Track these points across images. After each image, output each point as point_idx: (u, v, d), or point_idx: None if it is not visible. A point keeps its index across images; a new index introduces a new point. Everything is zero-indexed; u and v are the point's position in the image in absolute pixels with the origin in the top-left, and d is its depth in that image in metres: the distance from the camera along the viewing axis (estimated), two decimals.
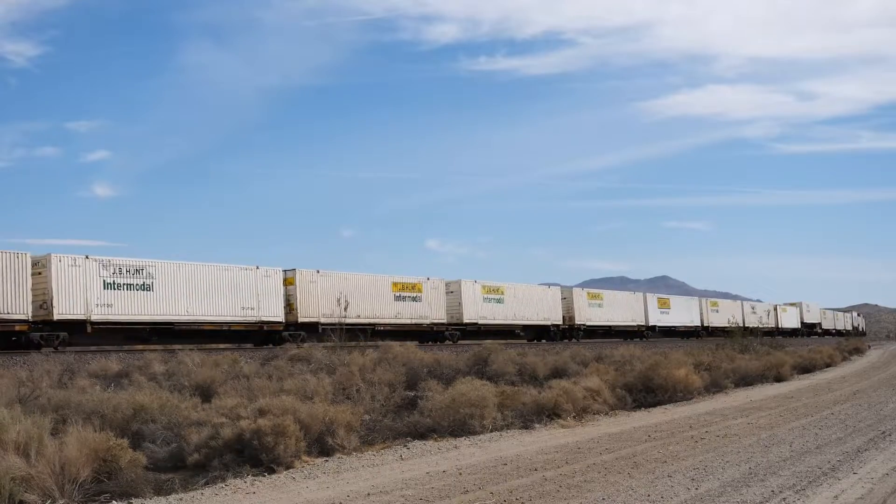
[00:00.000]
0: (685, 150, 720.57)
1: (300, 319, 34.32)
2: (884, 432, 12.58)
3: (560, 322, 48.48)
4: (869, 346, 64.10)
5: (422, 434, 12.37)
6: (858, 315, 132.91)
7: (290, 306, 34.30)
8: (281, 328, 33.74)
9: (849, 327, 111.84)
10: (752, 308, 73.17)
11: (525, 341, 43.25)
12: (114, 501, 8.30)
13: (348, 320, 30.17)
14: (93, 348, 26.69)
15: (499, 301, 44.31)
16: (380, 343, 24.89)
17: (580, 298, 51.67)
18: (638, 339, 53.29)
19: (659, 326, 59.89)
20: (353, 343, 21.59)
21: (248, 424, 10.04)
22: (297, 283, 34.61)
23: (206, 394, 14.02)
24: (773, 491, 8.19)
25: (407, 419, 13.14)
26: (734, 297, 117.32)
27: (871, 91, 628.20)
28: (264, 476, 9.40)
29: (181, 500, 8.45)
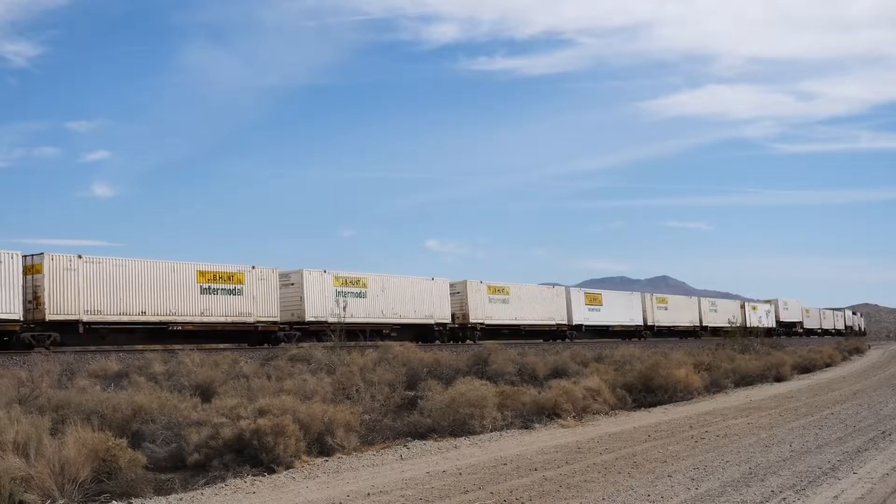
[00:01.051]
0: (685, 150, 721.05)
1: (50, 317, 27.30)
2: (884, 432, 12.58)
3: (448, 320, 41.70)
4: (869, 346, 64.10)
5: (422, 434, 12.37)
6: (855, 314, 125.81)
7: (36, 300, 27.49)
8: (17, 328, 26.43)
9: (840, 326, 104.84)
10: (713, 305, 68.94)
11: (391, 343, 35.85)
12: (114, 501, 8.29)
13: (128, 318, 28.63)
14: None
15: (359, 295, 36.79)
16: (381, 344, 24.67)
17: (476, 292, 43.94)
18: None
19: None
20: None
21: (248, 424, 10.04)
22: (47, 272, 27.54)
23: (205, 394, 14.01)
24: (773, 491, 8.18)
25: (407, 419, 13.14)
26: (735, 298, 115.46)
27: (870, 91, 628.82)
28: (264, 476, 9.40)
29: (181, 499, 8.45)
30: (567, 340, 46.58)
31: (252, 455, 9.75)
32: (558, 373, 20.42)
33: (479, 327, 43.39)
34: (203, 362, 18.20)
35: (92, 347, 27.48)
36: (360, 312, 36.00)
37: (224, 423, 10.26)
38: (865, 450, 10.84)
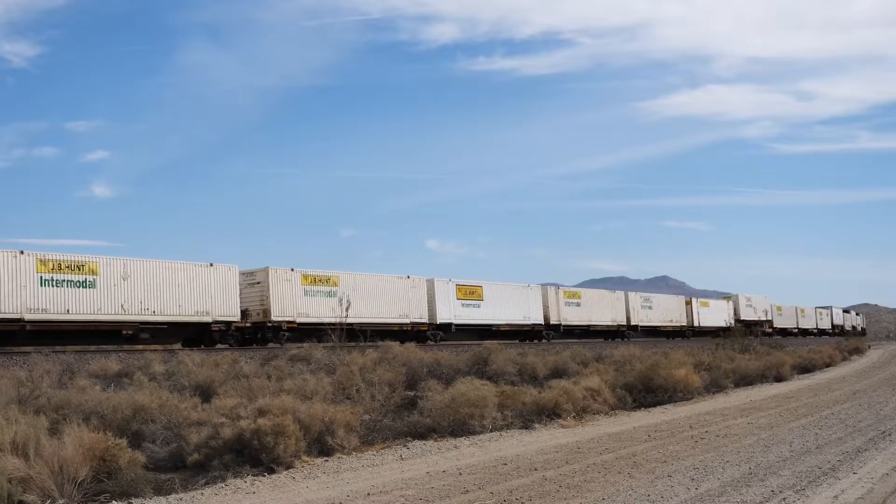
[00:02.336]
0: (684, 151, 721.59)
1: None
2: (884, 432, 12.57)
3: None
4: (869, 346, 64.09)
5: (422, 434, 12.36)
6: (856, 313, 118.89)
7: None
8: None
9: (826, 326, 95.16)
10: (646, 301, 64.22)
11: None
12: (114, 501, 8.29)
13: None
14: None
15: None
16: (381, 344, 24.65)
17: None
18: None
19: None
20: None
21: (248, 424, 10.04)
22: None
23: (205, 394, 14.01)
24: (773, 491, 8.18)
25: (407, 419, 13.14)
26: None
27: (869, 91, 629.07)
28: (264, 476, 9.40)
29: (181, 499, 8.44)
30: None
31: (252, 455, 9.75)
32: (558, 373, 20.44)
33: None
34: (203, 362, 18.20)
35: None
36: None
37: (224, 423, 10.26)
38: (865, 450, 10.84)
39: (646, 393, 17.86)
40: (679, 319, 63.74)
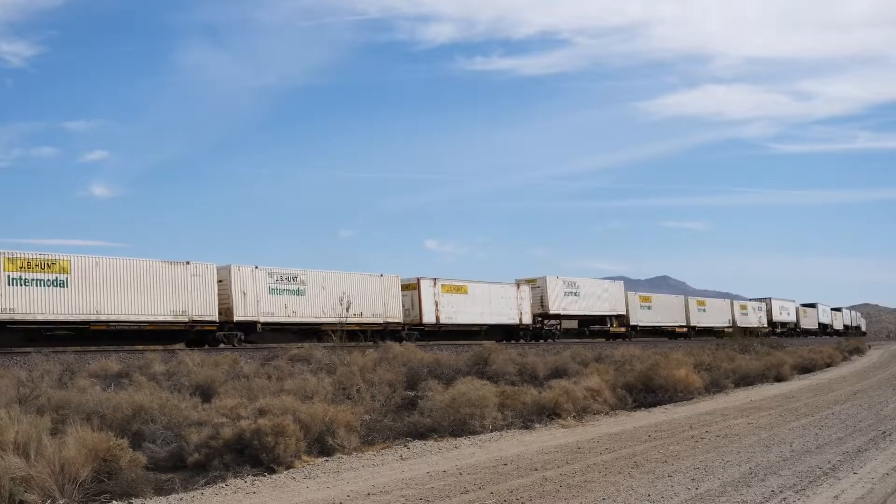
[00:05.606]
0: (683, 150, 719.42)
1: None
2: (884, 432, 12.57)
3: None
4: (869, 346, 64.11)
5: (422, 434, 12.37)
6: (850, 311, 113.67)
7: None
8: None
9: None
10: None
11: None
12: (114, 501, 8.29)
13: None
14: None
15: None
16: (381, 344, 24.68)
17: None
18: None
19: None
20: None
21: (248, 424, 10.05)
22: None
23: (206, 394, 14.03)
24: (773, 491, 8.18)
25: (407, 419, 13.14)
26: (735, 298, 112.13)
27: (868, 91, 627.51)
28: (264, 476, 9.40)
29: (181, 500, 8.44)
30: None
31: (252, 455, 9.75)
32: (558, 373, 20.46)
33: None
34: (203, 362, 18.23)
35: None
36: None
37: (224, 423, 10.27)
38: (866, 450, 10.84)
39: (646, 393, 17.87)
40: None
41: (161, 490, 8.79)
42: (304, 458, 10.18)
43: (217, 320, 31.86)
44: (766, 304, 78.89)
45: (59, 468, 8.16)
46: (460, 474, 9.39)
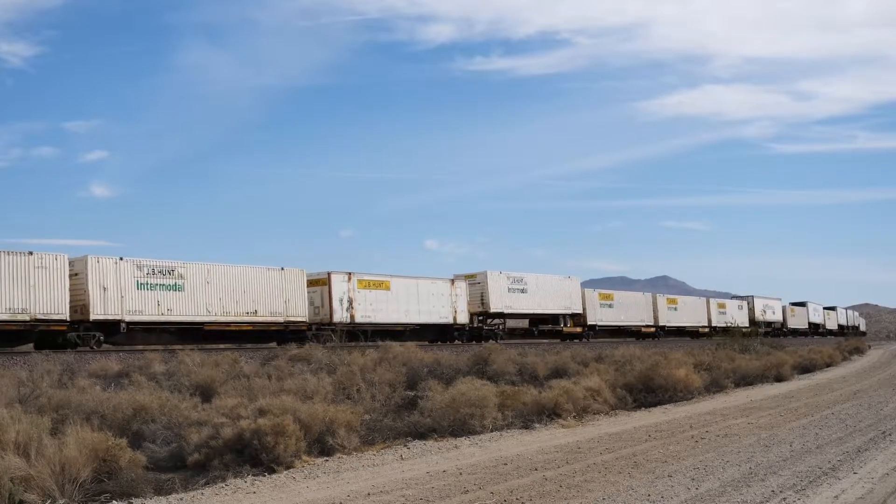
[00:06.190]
0: (682, 150, 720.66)
1: None
2: (884, 432, 12.58)
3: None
4: (869, 346, 64.13)
5: (422, 434, 12.37)
6: (848, 310, 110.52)
7: None
8: None
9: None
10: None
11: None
12: (114, 501, 8.29)
13: None
14: None
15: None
16: (381, 344, 24.54)
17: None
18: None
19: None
20: None
21: (249, 424, 10.05)
22: None
23: (206, 394, 14.03)
24: (773, 491, 8.18)
25: (407, 419, 13.15)
26: (734, 297, 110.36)
27: (867, 91, 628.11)
28: (265, 476, 9.40)
29: (181, 499, 8.44)
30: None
31: (252, 455, 9.76)
32: (559, 373, 20.48)
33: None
34: (203, 362, 18.24)
35: None
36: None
37: (224, 423, 10.27)
38: (866, 450, 10.84)
39: (646, 393, 17.87)
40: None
41: (161, 490, 8.79)
42: (305, 458, 10.18)
43: (68, 319, 27.35)
44: (749, 303, 75.97)
45: (59, 468, 8.16)
46: (460, 474, 9.39)
